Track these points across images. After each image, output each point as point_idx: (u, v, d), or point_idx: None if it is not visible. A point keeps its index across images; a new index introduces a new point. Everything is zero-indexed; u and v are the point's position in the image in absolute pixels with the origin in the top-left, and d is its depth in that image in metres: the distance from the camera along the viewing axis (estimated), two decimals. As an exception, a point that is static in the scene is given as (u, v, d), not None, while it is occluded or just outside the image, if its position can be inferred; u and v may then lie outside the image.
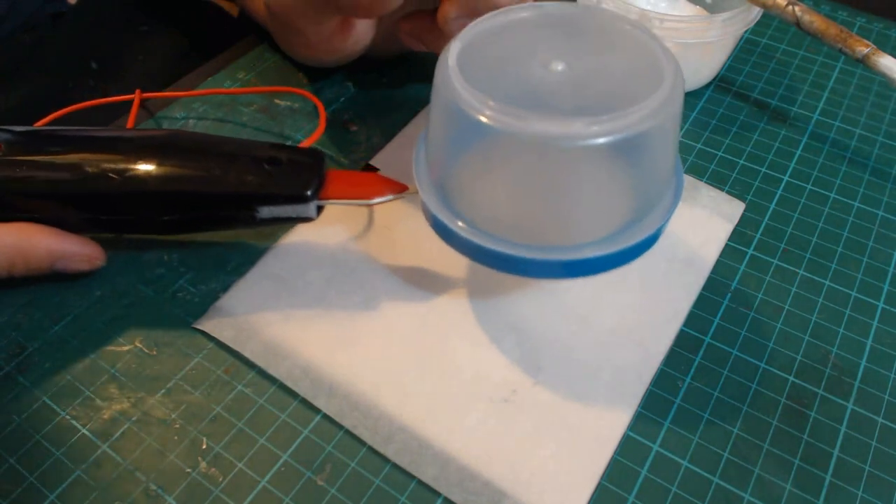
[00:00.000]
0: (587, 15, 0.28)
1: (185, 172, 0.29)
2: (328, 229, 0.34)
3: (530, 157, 0.25)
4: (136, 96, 0.37)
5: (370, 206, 0.29)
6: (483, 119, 0.24)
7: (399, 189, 0.30)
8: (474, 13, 0.29)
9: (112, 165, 0.29)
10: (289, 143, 0.38)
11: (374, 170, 0.36)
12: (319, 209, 0.30)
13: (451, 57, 0.25)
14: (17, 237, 0.29)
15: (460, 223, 0.27)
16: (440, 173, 0.27)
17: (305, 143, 0.33)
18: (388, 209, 0.34)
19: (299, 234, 0.34)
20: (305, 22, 0.33)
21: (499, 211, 0.26)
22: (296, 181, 0.29)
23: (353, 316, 0.31)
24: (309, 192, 0.29)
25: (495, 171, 0.26)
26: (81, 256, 0.30)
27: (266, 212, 0.29)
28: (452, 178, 0.27)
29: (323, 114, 0.36)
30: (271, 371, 0.29)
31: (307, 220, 0.30)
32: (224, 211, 0.30)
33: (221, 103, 0.40)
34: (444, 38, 0.32)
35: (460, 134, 0.26)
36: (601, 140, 0.23)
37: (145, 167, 0.29)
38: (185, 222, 0.30)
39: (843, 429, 0.28)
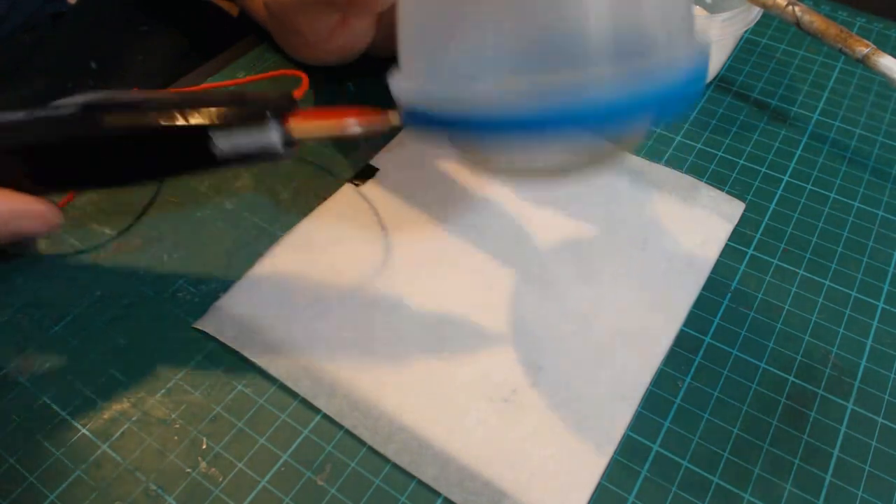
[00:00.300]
0: None
1: (129, 112, 0.26)
2: (328, 230, 0.34)
3: None
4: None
5: (347, 136, 0.26)
6: None
7: (378, 115, 0.26)
8: None
9: (47, 112, 0.27)
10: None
11: (375, 170, 0.36)
12: (289, 145, 0.26)
13: None
14: None
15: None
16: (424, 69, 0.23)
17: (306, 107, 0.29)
18: (389, 209, 0.34)
19: (299, 235, 0.34)
20: (304, 21, 0.33)
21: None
22: (254, 102, 0.26)
23: (354, 316, 0.31)
24: (268, 112, 0.25)
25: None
26: (35, 214, 0.28)
27: (223, 142, 0.26)
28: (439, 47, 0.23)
29: (305, 80, 0.34)
30: (271, 371, 0.29)
31: (275, 155, 0.26)
32: (178, 142, 0.26)
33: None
34: None
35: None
36: None
37: (101, 113, 0.26)
38: (143, 164, 0.28)
39: (843, 429, 0.28)
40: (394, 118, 0.26)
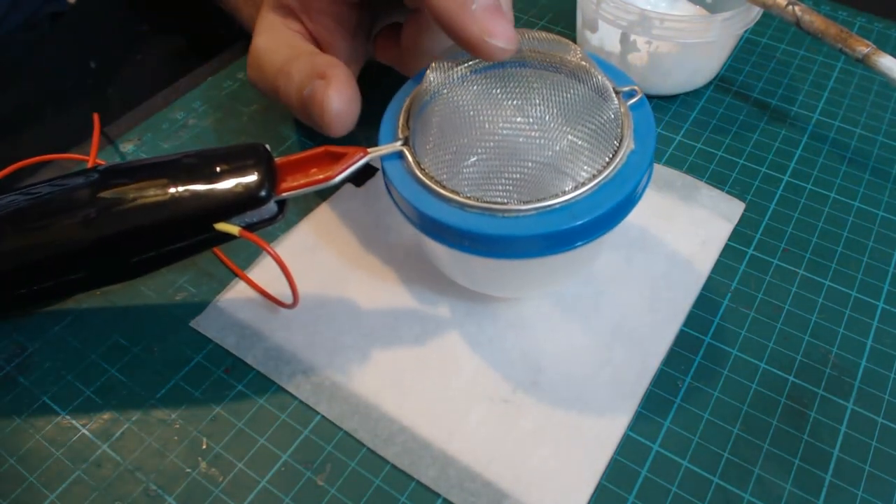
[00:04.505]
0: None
1: (117, 217, 0.27)
2: (327, 231, 0.34)
3: None
4: (95, 121, 0.35)
5: (334, 184, 0.27)
6: None
7: (354, 155, 0.27)
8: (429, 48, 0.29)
9: (31, 232, 0.27)
10: (288, 142, 0.38)
11: (375, 170, 0.36)
12: (281, 205, 0.28)
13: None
14: None
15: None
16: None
17: (283, 159, 0.29)
18: (389, 208, 0.34)
19: (299, 235, 0.34)
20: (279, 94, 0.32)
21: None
22: (246, 185, 0.26)
23: (353, 318, 0.31)
24: (263, 193, 0.26)
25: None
26: None
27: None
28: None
29: None
30: (273, 377, 0.29)
31: (273, 220, 0.28)
32: (181, 239, 0.27)
33: (221, 103, 0.40)
34: (414, 61, 0.32)
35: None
36: None
37: (73, 221, 0.27)
38: (143, 264, 0.28)
39: (843, 429, 0.28)
40: (371, 152, 0.28)
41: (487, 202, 0.25)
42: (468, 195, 0.25)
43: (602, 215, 0.25)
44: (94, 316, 0.31)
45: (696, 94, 0.41)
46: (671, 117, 0.40)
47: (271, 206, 0.27)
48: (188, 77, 0.41)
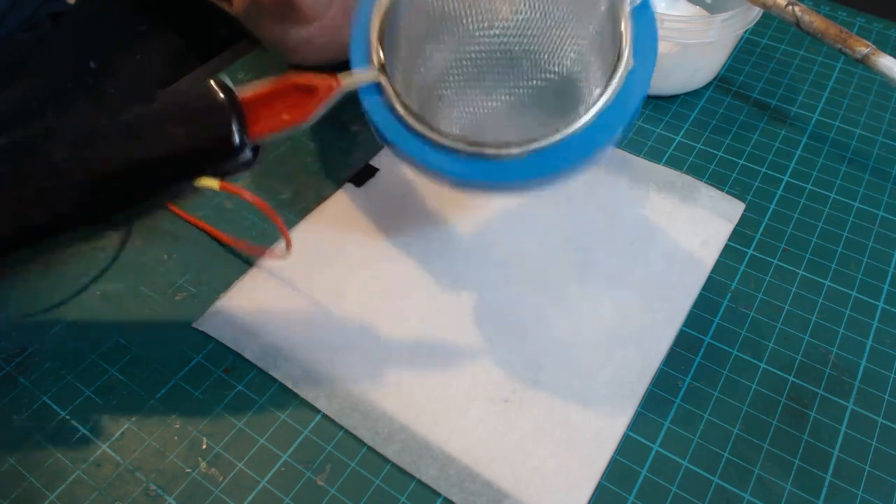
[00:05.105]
0: None
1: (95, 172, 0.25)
2: (327, 231, 0.34)
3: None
4: None
5: (310, 124, 0.26)
6: None
7: (327, 88, 0.25)
8: None
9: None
10: (287, 143, 0.38)
11: (374, 169, 0.36)
12: (256, 150, 0.26)
13: None
14: None
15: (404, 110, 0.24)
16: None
17: (248, 93, 0.26)
18: (389, 209, 0.34)
19: (299, 235, 0.34)
20: (265, 33, 0.32)
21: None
22: (217, 135, 0.25)
23: (353, 317, 0.31)
24: (237, 141, 0.25)
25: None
26: None
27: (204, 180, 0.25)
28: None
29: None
30: (271, 373, 0.29)
31: (249, 166, 0.26)
32: (159, 195, 0.26)
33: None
34: None
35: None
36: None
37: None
38: (132, 206, 0.27)
39: (843, 429, 0.28)
40: (343, 83, 0.25)
41: (477, 145, 0.23)
42: (456, 131, 0.23)
43: (591, 156, 0.23)
44: (94, 316, 0.31)
45: (696, 94, 0.41)
46: (671, 117, 0.40)
47: (246, 153, 0.25)
48: (188, 77, 0.41)
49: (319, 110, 0.25)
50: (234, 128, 0.25)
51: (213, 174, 0.25)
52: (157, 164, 0.25)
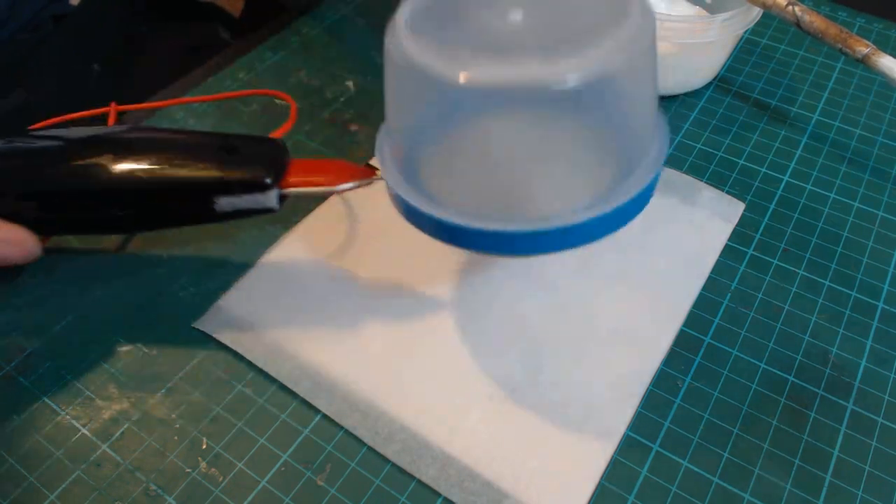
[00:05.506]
0: None
1: (137, 165, 0.28)
2: (327, 231, 0.34)
3: (492, 109, 0.23)
4: (112, 109, 0.36)
5: (336, 193, 0.28)
6: (435, 69, 0.21)
7: (364, 174, 0.28)
8: None
9: (58, 163, 0.28)
10: (287, 141, 0.38)
11: (375, 170, 0.36)
12: (282, 199, 0.28)
13: (403, 14, 0.24)
14: None
15: (424, 201, 0.25)
16: (405, 150, 0.25)
17: (276, 135, 0.31)
18: (387, 210, 0.34)
19: (299, 236, 0.34)
20: None
21: (462, 179, 0.25)
22: (254, 169, 0.27)
23: (353, 317, 0.31)
24: (268, 180, 0.27)
25: (459, 135, 0.24)
26: (14, 240, 0.28)
27: (225, 203, 0.28)
28: (414, 151, 0.25)
29: (294, 109, 0.34)
30: (271, 372, 0.29)
31: (270, 211, 0.28)
32: (181, 203, 0.28)
33: (221, 103, 0.40)
34: None
35: (417, 101, 0.24)
36: (569, 80, 0.21)
37: (94, 161, 0.27)
38: (144, 218, 0.29)
39: (843, 429, 0.28)
40: (379, 174, 0.28)
41: (506, 222, 0.23)
42: (481, 211, 0.24)
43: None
44: (95, 316, 0.31)
45: (696, 94, 0.41)
46: (671, 117, 0.40)
47: (272, 196, 0.28)
48: (189, 77, 0.41)
49: (348, 186, 0.28)
50: (272, 166, 0.27)
51: (235, 207, 0.28)
52: (194, 182, 0.28)
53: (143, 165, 0.27)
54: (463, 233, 0.24)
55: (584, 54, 0.21)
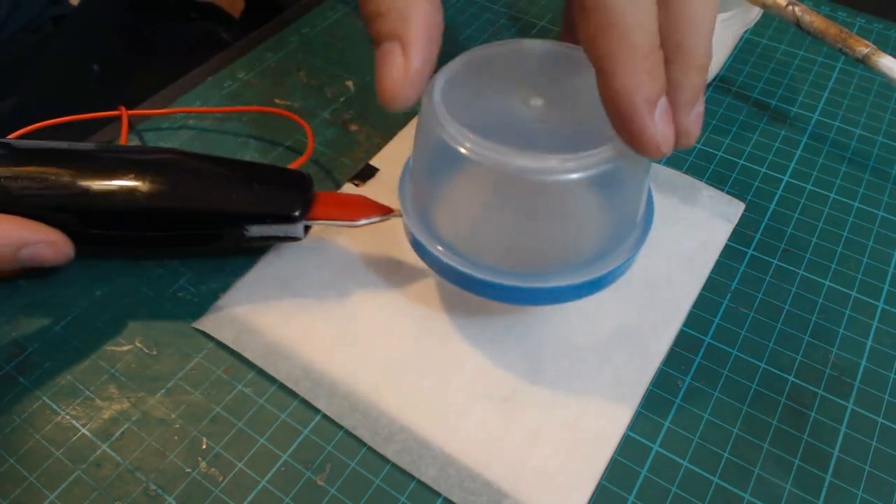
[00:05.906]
0: (566, 53, 0.28)
1: (175, 190, 0.29)
2: (327, 230, 0.34)
3: (506, 190, 0.26)
4: (123, 114, 0.37)
5: (356, 227, 0.30)
6: (464, 151, 0.24)
7: (384, 211, 0.30)
8: None
9: (101, 180, 0.29)
10: (288, 143, 0.38)
11: (375, 170, 0.36)
12: (307, 229, 0.31)
13: (436, 91, 0.26)
14: None
15: (439, 247, 0.27)
16: (423, 198, 0.28)
17: (293, 166, 0.33)
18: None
19: (299, 235, 0.34)
20: None
21: (476, 237, 0.27)
22: (284, 201, 0.30)
23: (354, 317, 0.31)
24: (297, 213, 0.30)
25: (473, 200, 0.27)
26: (46, 242, 0.29)
27: (255, 230, 0.30)
28: (433, 203, 0.28)
29: (311, 137, 0.36)
30: (271, 372, 0.29)
31: (295, 239, 0.31)
32: (213, 229, 0.30)
33: (221, 104, 0.40)
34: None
35: (442, 163, 0.27)
36: (574, 175, 0.24)
37: (135, 183, 0.29)
38: (175, 239, 0.31)
39: (843, 429, 0.28)
40: (397, 213, 0.29)
41: (512, 277, 0.27)
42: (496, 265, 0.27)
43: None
44: (95, 316, 0.31)
45: (696, 94, 0.41)
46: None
47: (299, 228, 0.30)
48: (189, 77, 0.41)
49: (369, 221, 0.30)
50: (301, 199, 0.30)
51: (264, 234, 0.30)
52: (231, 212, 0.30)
53: (184, 191, 0.30)
54: (463, 277, 0.27)
55: (591, 155, 0.24)
